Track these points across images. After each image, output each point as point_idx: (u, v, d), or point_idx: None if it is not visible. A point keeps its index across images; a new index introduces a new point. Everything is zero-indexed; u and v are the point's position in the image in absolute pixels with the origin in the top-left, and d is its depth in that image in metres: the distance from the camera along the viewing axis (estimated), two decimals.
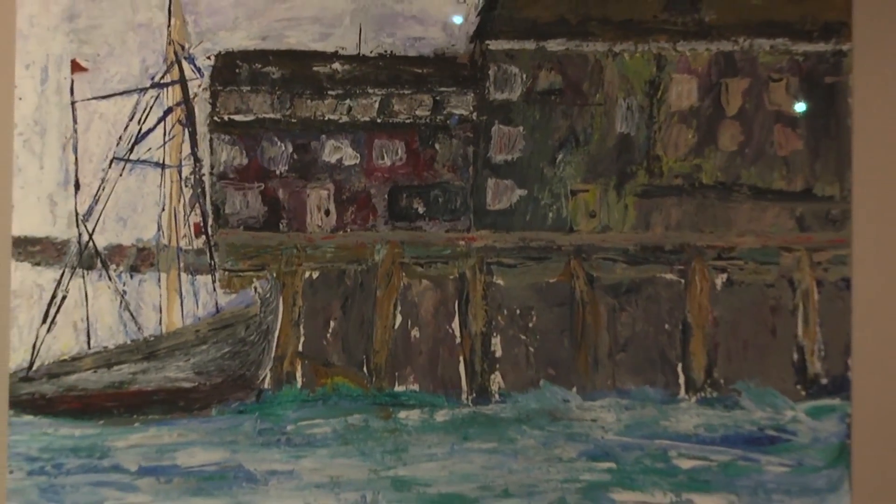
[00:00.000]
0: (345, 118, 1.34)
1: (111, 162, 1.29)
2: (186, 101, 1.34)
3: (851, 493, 1.29)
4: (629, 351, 1.33)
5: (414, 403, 1.28)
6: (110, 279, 1.33)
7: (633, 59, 1.34)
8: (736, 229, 1.32)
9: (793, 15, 1.31)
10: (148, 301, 1.29)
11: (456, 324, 1.32)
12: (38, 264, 1.30)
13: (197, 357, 1.30)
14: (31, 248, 1.29)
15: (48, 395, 1.27)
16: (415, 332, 1.30)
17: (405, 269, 1.35)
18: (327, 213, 1.34)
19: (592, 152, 1.33)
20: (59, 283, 1.27)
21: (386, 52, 1.32)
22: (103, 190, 1.29)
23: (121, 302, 1.28)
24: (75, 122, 1.29)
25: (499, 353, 1.31)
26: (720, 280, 1.32)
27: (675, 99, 1.33)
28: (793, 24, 1.30)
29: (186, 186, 1.34)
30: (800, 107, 1.32)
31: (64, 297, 1.27)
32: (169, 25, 1.33)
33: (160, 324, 1.30)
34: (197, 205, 1.34)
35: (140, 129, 1.29)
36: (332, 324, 1.32)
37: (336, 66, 1.33)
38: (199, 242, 1.34)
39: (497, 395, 1.28)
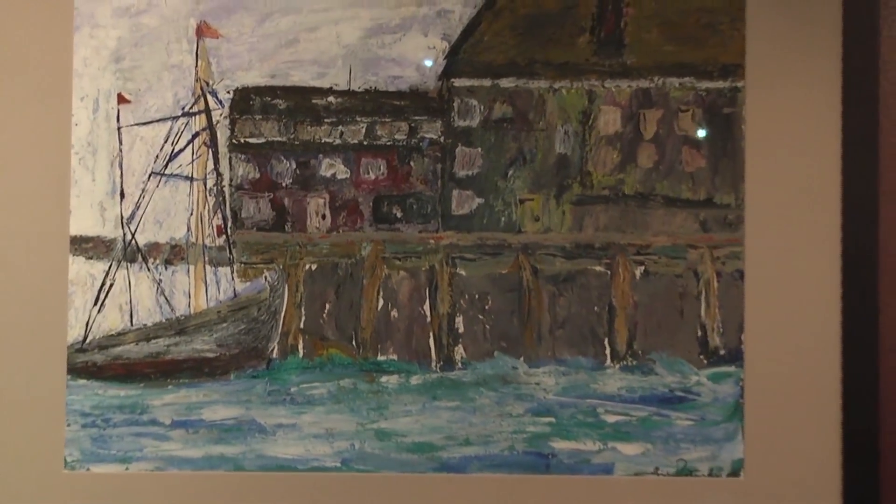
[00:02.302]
0: (338, 141, 1.35)
1: (149, 176, 1.35)
2: (210, 126, 1.35)
3: (744, 442, 1.31)
4: (566, 328, 1.34)
5: (393, 370, 1.34)
6: (149, 270, 1.35)
7: (569, 93, 1.34)
8: (651, 231, 1.33)
9: (697, 58, 1.33)
10: (179, 288, 1.35)
11: (427, 306, 1.35)
12: (90, 258, 1.34)
13: (218, 333, 1.35)
14: (85, 245, 1.34)
15: (98, 363, 1.33)
16: (394, 313, 1.35)
17: (386, 263, 1.35)
18: (324, 217, 1.35)
19: (537, 169, 1.34)
20: (107, 273, 1.34)
21: (371, 88, 1.34)
22: (143, 198, 1.34)
23: (157, 288, 1.34)
24: (121, 143, 1.34)
25: (461, 330, 1.34)
26: (639, 271, 1.34)
27: (603, 126, 1.34)
28: (697, 65, 1.33)
29: (210, 196, 1.35)
30: (702, 132, 1.33)
31: (111, 285, 1.34)
32: (196, 66, 1.34)
33: (189, 306, 1.35)
34: (219, 210, 1.35)
35: (173, 149, 1.35)
36: (327, 306, 1.35)
37: (331, 99, 1.35)
38: (220, 241, 1.35)
39: (460, 364, 1.34)
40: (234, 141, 1.36)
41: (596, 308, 1.34)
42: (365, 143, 1.36)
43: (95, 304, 1.34)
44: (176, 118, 1.35)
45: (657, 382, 1.33)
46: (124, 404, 1.34)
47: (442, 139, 1.35)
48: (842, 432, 1.30)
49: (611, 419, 1.33)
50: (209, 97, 1.35)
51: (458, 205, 1.35)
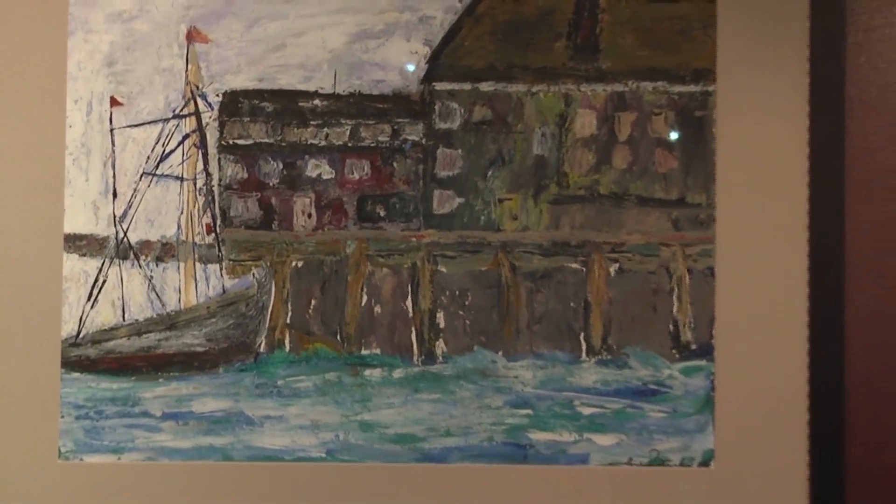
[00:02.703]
0: (323, 142, 1.36)
1: (141, 176, 1.35)
2: (200, 128, 1.35)
3: (714, 433, 1.32)
4: (543, 323, 1.35)
5: (376, 364, 1.35)
6: (140, 267, 1.35)
7: (546, 97, 1.35)
8: (626, 229, 1.34)
9: (670, 63, 1.34)
10: (170, 284, 1.35)
11: (409, 302, 1.36)
12: (84, 255, 1.34)
13: (208, 328, 1.36)
14: (78, 243, 1.34)
15: (91, 357, 1.34)
16: (377, 309, 1.35)
17: (370, 260, 1.36)
18: (309, 216, 1.36)
19: (515, 169, 1.35)
20: (100, 270, 1.34)
21: (355, 91, 1.35)
22: (135, 198, 1.35)
23: (149, 285, 1.35)
24: (113, 144, 1.34)
25: (442, 325, 1.35)
26: (613, 268, 1.34)
27: (579, 128, 1.35)
28: (670, 70, 1.34)
29: (200, 195, 1.36)
30: (675, 135, 1.34)
31: (104, 281, 1.34)
32: (186, 70, 1.35)
33: (179, 302, 1.35)
34: (208, 209, 1.36)
35: (164, 150, 1.35)
36: (313, 302, 1.36)
37: (316, 102, 1.35)
38: (209, 239, 1.36)
39: (441, 358, 1.35)
40: (223, 142, 1.36)
41: (572, 304, 1.35)
42: (349, 144, 1.36)
43: (89, 299, 1.34)
44: (167, 120, 1.35)
45: (631, 376, 1.34)
46: (116, 397, 1.34)
47: (424, 141, 1.36)
48: (809, 424, 1.31)
49: (586, 411, 1.34)
50: (199, 100, 1.35)
51: (440, 204, 1.36)
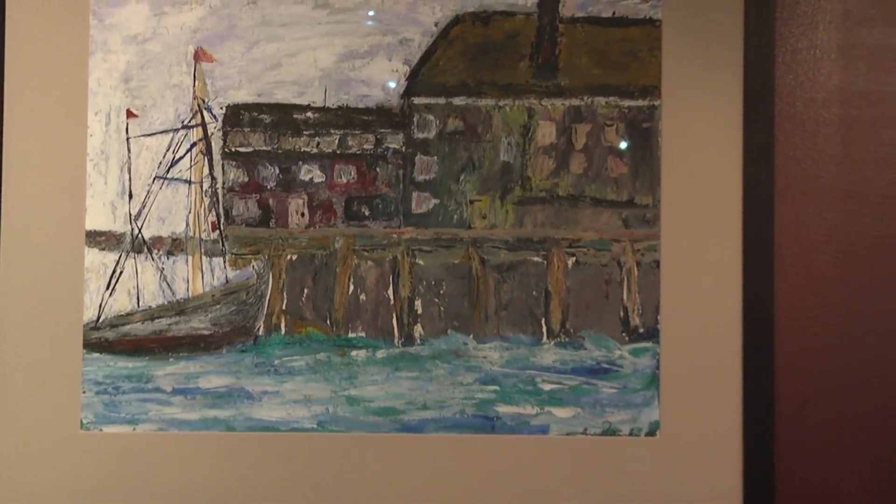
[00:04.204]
0: (315, 150, 1.39)
1: (154, 179, 1.39)
2: (206, 137, 1.39)
3: (660, 407, 1.36)
4: (509, 309, 1.38)
5: (362, 345, 1.38)
6: (153, 260, 1.38)
7: (512, 110, 1.38)
8: (581, 227, 1.38)
9: (621, 81, 1.38)
10: (179, 275, 1.39)
11: (390, 291, 1.39)
12: (103, 249, 1.38)
13: (213, 313, 1.38)
14: (98, 238, 1.38)
15: (110, 339, 1.38)
16: (362, 297, 1.39)
17: (356, 254, 1.39)
18: (303, 215, 1.39)
19: (484, 174, 1.39)
20: (117, 262, 1.38)
21: (343, 105, 1.38)
22: (148, 198, 1.39)
23: (160, 275, 1.39)
24: (129, 152, 1.38)
25: (420, 311, 1.39)
26: (571, 261, 1.38)
27: (541, 138, 1.39)
28: (620, 87, 1.38)
29: (206, 196, 1.39)
30: (624, 144, 1.39)
31: (121, 272, 1.38)
32: (194, 86, 1.38)
33: (187, 290, 1.39)
34: (213, 209, 1.39)
35: (174, 157, 1.39)
36: (305, 291, 1.39)
37: (309, 114, 1.38)
38: (214, 235, 1.38)
39: (418, 340, 1.38)
40: (226, 150, 1.40)
41: (534, 293, 1.39)
42: (338, 152, 1.40)
43: (107, 288, 1.38)
44: (176, 130, 1.38)
45: (586, 356, 1.38)
46: (132, 374, 1.38)
47: (403, 149, 1.40)
48: (742, 397, 1.36)
49: (547, 387, 1.38)
50: (205, 112, 1.39)
51: (417, 205, 1.40)
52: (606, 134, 1.40)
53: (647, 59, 1.39)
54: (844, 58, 1.40)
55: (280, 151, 1.40)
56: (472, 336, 1.39)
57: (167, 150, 1.39)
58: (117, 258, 1.39)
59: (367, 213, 1.40)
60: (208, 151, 1.40)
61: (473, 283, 1.40)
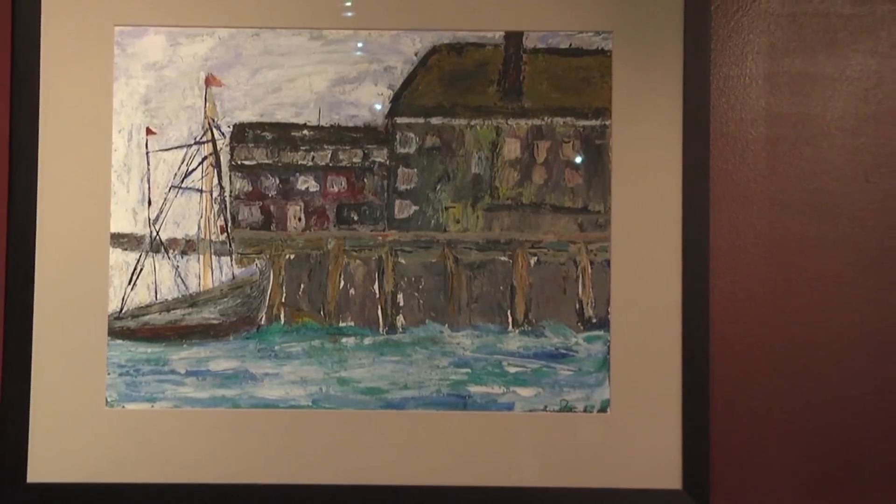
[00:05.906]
0: (310, 163, 1.47)
1: (170, 188, 1.47)
2: (215, 152, 1.46)
3: (610, 387, 1.44)
4: (479, 302, 1.47)
5: (351, 333, 1.46)
6: (169, 258, 1.46)
7: (482, 129, 1.47)
8: (542, 230, 1.46)
9: (577, 103, 1.46)
10: (192, 272, 1.47)
11: (376, 286, 1.47)
12: (125, 249, 1.46)
13: (221, 305, 1.46)
14: (121, 240, 1.46)
15: (131, 328, 1.46)
16: (352, 291, 1.47)
17: (346, 254, 1.46)
18: (300, 220, 1.46)
19: (458, 184, 1.47)
20: (138, 261, 1.46)
21: (335, 124, 1.46)
22: (165, 205, 1.47)
23: (175, 272, 1.47)
24: (148, 164, 1.46)
25: (402, 304, 1.47)
26: (533, 261, 1.46)
27: (507, 153, 1.47)
28: (576, 108, 1.46)
29: (215, 203, 1.46)
30: (580, 158, 1.47)
31: (141, 270, 1.46)
32: (205, 107, 1.45)
33: (199, 286, 1.47)
34: (221, 214, 1.46)
35: (188, 168, 1.47)
36: (302, 286, 1.46)
37: (305, 132, 1.46)
38: (222, 237, 1.46)
39: (400, 329, 1.46)
40: (233, 163, 1.48)
41: (501, 288, 1.47)
42: (330, 165, 1.47)
43: (129, 283, 1.46)
44: (190, 146, 1.47)
45: (546, 343, 1.46)
46: (150, 358, 1.46)
47: (388, 162, 1.48)
48: (682, 378, 1.45)
49: (512, 370, 1.46)
50: (214, 130, 1.47)
51: (400, 211, 1.48)
52: (564, 150, 1.48)
53: (600, 84, 1.47)
54: (770, 84, 1.49)
55: (280, 164, 1.48)
56: (447, 325, 1.47)
57: (181, 163, 1.47)
58: (138, 257, 1.46)
59: (355, 218, 1.47)
60: (217, 164, 1.47)
61: (448, 279, 1.47)
